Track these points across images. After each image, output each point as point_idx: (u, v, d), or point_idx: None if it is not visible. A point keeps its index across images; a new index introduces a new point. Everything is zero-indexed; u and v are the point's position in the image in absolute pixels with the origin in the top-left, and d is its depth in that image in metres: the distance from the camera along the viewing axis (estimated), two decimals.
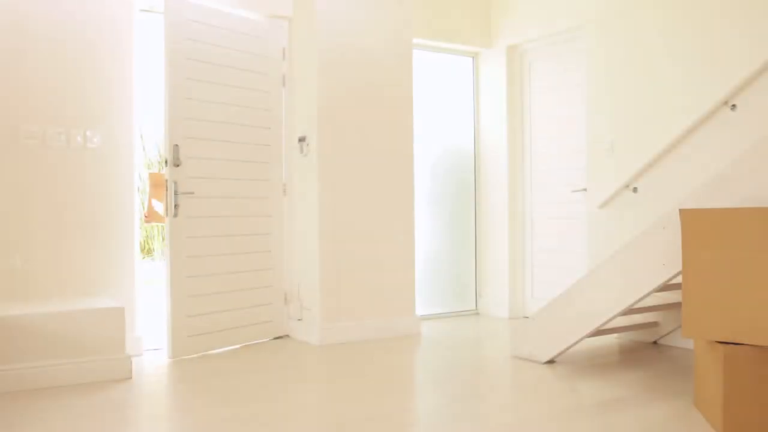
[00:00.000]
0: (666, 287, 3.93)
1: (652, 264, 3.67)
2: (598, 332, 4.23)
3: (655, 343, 4.86)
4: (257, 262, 5.06)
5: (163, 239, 7.25)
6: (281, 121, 5.25)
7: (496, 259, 6.14)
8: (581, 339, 4.09)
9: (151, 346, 4.79)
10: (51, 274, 4.30)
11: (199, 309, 4.63)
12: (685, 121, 4.56)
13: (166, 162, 4.45)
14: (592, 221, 5.25)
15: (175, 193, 4.45)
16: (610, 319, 3.96)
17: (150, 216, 5.70)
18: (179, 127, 4.50)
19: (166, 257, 4.51)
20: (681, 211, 3.26)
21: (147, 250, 7.18)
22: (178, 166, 4.47)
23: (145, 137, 7.80)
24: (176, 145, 4.44)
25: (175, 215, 4.45)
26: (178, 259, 4.50)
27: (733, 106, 4.33)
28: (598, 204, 5.15)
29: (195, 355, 4.63)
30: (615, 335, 5.00)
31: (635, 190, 4.91)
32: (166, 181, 4.44)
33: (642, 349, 4.71)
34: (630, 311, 4.11)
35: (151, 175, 5.98)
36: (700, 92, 4.51)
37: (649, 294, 3.76)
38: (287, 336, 5.27)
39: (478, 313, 6.26)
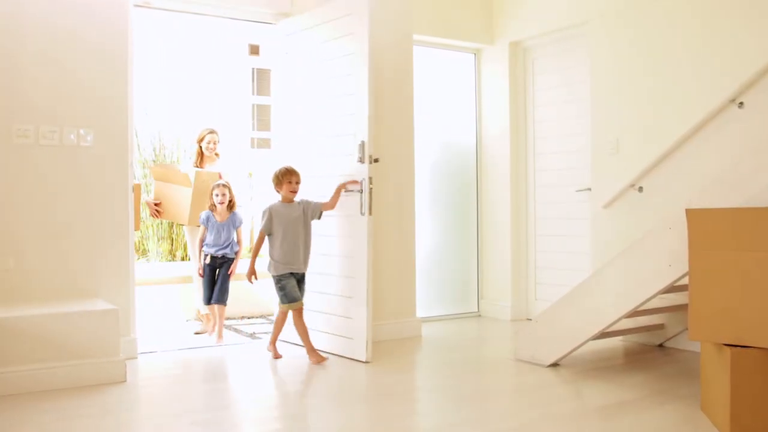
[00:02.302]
0: (672, 289, 3.87)
1: (658, 265, 3.61)
2: (603, 335, 4.17)
3: (661, 345, 4.79)
4: None
5: (158, 240, 7.18)
6: None
7: (498, 259, 6.05)
8: (585, 342, 4.03)
9: (146, 349, 4.71)
10: (44, 276, 4.23)
11: None
12: (692, 119, 4.48)
13: (367, 159, 4.26)
14: (597, 221, 5.16)
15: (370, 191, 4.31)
16: (615, 322, 3.91)
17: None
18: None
19: (366, 261, 4.32)
20: (687, 211, 3.23)
21: (142, 251, 7.12)
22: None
23: (140, 135, 7.73)
24: (363, 142, 4.34)
25: (364, 213, 4.34)
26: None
27: (741, 103, 4.26)
28: (603, 204, 5.07)
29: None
30: (620, 338, 4.93)
31: (641, 189, 4.82)
32: (363, 180, 4.28)
33: (648, 351, 4.65)
34: (635, 313, 4.05)
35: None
36: (707, 89, 4.44)
37: (654, 296, 3.70)
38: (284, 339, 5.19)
39: (480, 315, 6.18)
